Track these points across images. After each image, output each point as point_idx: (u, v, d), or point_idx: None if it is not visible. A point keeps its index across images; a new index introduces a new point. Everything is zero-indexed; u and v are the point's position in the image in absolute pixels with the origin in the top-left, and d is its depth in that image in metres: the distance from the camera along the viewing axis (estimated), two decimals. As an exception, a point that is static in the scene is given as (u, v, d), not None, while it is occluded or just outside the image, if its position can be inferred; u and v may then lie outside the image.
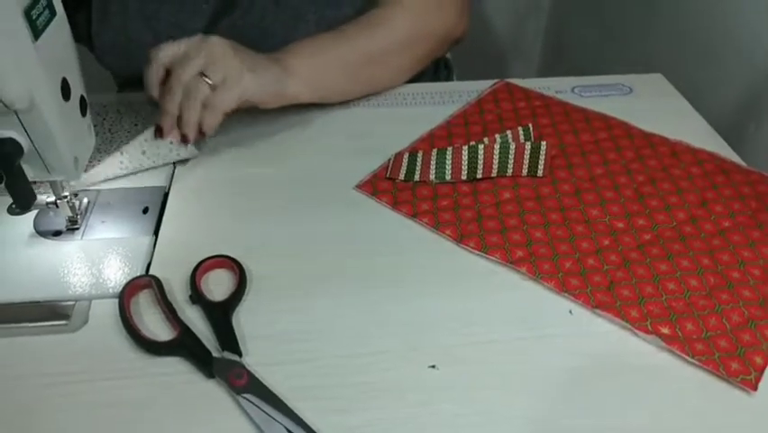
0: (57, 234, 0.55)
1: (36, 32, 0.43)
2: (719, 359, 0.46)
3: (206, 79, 0.57)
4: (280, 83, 0.62)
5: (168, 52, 0.59)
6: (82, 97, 0.50)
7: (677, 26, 1.02)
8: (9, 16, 0.40)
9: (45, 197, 0.54)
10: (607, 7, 1.05)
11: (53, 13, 0.45)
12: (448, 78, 0.93)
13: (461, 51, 0.87)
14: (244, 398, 0.43)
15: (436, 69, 0.89)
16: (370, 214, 0.59)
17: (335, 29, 0.68)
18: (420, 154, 0.63)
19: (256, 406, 0.42)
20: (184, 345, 0.46)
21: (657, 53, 1.00)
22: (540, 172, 0.62)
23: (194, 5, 0.71)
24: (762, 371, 0.46)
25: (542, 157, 0.62)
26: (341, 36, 0.68)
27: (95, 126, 0.55)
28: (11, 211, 0.57)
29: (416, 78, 0.77)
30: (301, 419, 0.42)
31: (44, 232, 0.55)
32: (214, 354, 0.46)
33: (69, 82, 0.48)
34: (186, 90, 0.58)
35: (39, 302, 0.49)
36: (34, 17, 0.42)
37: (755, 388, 0.45)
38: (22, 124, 0.45)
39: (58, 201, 0.54)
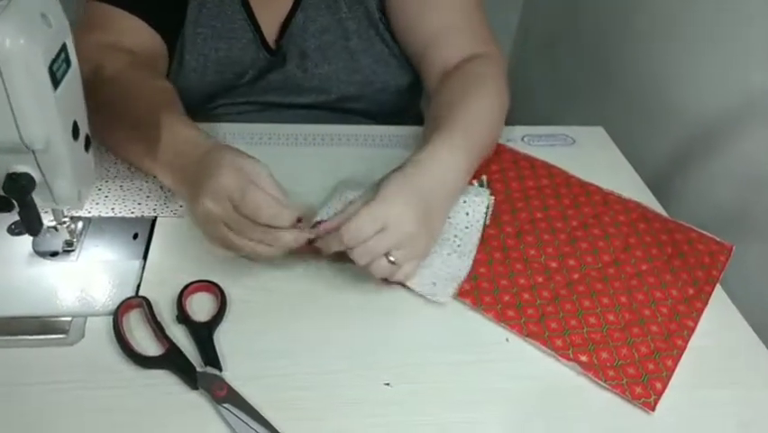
0: (54, 254, 0.61)
1: (56, 83, 0.49)
2: (626, 384, 0.55)
3: (390, 258, 0.56)
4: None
5: (353, 235, 0.54)
6: (87, 136, 0.57)
7: (621, 83, 1.13)
8: (35, 71, 0.46)
9: (46, 220, 0.59)
10: (561, 64, 1.16)
11: (69, 64, 0.52)
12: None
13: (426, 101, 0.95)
14: (224, 407, 0.50)
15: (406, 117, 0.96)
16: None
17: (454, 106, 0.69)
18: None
19: (234, 415, 0.49)
20: (171, 360, 0.53)
21: (601, 107, 1.11)
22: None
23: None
24: (660, 395, 0.55)
25: (488, 211, 0.70)
26: (475, 106, 0.70)
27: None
28: (11, 231, 0.62)
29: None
30: (274, 428, 0.49)
31: (42, 252, 0.61)
32: (198, 368, 0.53)
33: (78, 123, 0.54)
34: (365, 267, 0.56)
35: (39, 317, 0.55)
36: (55, 70, 0.49)
37: (654, 409, 0.54)
38: (36, 161, 0.51)
39: (58, 225, 0.60)
